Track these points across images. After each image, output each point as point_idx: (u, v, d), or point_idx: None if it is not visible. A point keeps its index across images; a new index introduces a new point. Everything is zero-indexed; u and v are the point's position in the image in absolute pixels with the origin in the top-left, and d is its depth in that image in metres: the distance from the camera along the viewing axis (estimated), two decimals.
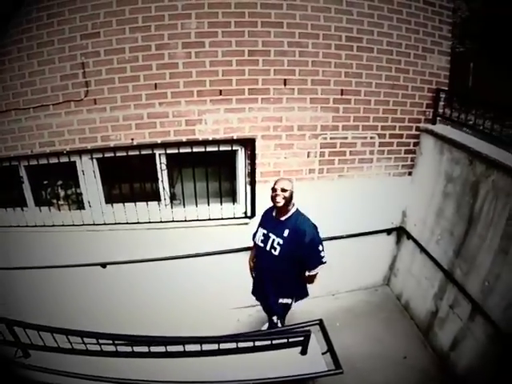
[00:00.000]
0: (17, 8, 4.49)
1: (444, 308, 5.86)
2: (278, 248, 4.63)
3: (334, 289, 6.25)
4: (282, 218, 4.63)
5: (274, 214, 4.68)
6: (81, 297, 5.34)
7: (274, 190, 4.49)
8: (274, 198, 4.50)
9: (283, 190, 4.47)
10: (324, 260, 4.73)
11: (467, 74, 19.24)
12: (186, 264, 5.56)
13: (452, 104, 5.79)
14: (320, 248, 4.68)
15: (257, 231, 4.79)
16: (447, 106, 5.99)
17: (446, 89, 5.95)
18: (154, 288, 5.57)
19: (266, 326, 5.54)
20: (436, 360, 5.92)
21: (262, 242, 4.70)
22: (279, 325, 5.15)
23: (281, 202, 4.50)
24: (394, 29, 5.31)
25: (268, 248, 4.64)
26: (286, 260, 4.65)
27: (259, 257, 4.81)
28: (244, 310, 6.24)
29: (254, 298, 5.36)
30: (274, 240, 4.63)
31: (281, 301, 5.01)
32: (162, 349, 3.33)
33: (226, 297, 5.85)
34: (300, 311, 5.89)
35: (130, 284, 5.49)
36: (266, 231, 4.69)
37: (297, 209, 4.59)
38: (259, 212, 5.37)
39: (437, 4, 5.46)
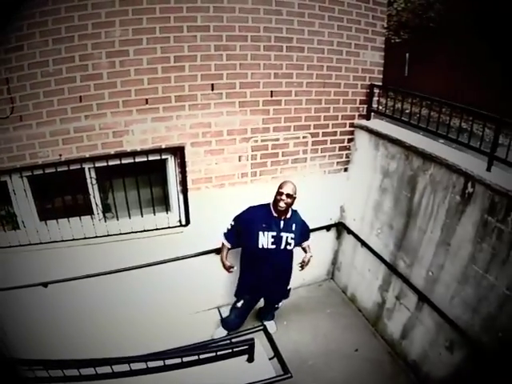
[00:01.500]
0: None
1: (391, 299, 6.96)
2: (292, 242, 5.91)
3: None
4: (288, 216, 5.82)
5: (275, 214, 5.73)
6: (23, 318, 5.80)
7: (280, 193, 5.54)
8: (278, 202, 5.57)
9: (289, 196, 5.53)
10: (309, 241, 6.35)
11: (403, 64, 20.39)
12: (126, 277, 6.23)
13: (387, 99, 6.79)
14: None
15: (257, 237, 5.76)
16: (382, 101, 6.93)
17: (380, 84, 6.88)
18: (98, 303, 6.19)
19: (218, 331, 6.71)
20: (388, 349, 6.98)
21: (272, 244, 5.81)
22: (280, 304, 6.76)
23: (283, 207, 5.56)
24: (325, 27, 6.17)
25: (282, 247, 5.87)
26: (293, 250, 6.05)
27: (268, 258, 5.86)
28: (195, 316, 7.02)
29: (247, 296, 6.38)
30: (287, 237, 5.84)
31: (289, 287, 6.48)
32: (107, 369, 3.70)
33: (175, 304, 6.67)
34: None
35: (73, 301, 6.07)
36: (275, 233, 5.77)
37: None
38: (193, 220, 6.37)
39: (370, 0, 6.33)
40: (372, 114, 6.99)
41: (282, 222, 5.76)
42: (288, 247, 5.88)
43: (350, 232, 7.60)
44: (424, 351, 6.27)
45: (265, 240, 5.75)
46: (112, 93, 5.32)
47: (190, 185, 6.10)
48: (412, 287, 6.35)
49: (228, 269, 6.14)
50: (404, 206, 6.41)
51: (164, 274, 6.40)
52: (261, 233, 5.73)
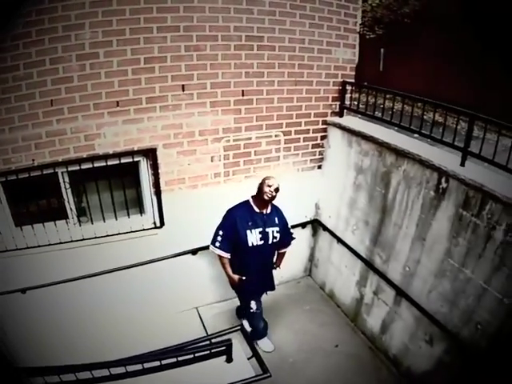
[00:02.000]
0: None
1: (369, 295, 7.08)
2: (278, 235, 6.10)
3: None
4: (269, 210, 6.00)
5: (257, 210, 5.90)
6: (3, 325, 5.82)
7: (269, 185, 5.71)
8: (265, 193, 5.72)
9: (276, 190, 5.76)
10: (294, 236, 6.48)
11: (378, 59, 20.62)
12: (102, 281, 6.20)
13: (359, 95, 6.82)
14: (289, 225, 6.36)
15: (246, 236, 5.87)
16: (354, 97, 7.06)
17: (353, 81, 6.98)
18: (77, 307, 6.16)
19: (263, 343, 6.85)
20: (368, 344, 7.11)
21: (261, 239, 5.95)
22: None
23: (269, 197, 5.73)
24: (296, 25, 6.25)
25: (270, 241, 6.04)
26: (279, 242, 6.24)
27: (258, 255, 6.03)
28: (174, 317, 7.01)
29: (254, 298, 6.45)
30: (273, 231, 6.01)
31: (273, 274, 6.65)
32: (87, 375, 3.72)
33: (154, 306, 6.72)
34: (225, 311, 7.24)
35: (53, 307, 6.03)
36: (261, 229, 5.93)
37: None
38: (168, 221, 6.39)
39: None
40: (345, 110, 7.07)
41: (264, 217, 5.92)
42: (275, 241, 6.04)
43: (325, 229, 7.69)
44: (404, 345, 6.37)
45: (253, 237, 5.87)
46: (83, 96, 5.30)
47: (163, 186, 6.14)
48: (389, 282, 6.45)
49: (239, 281, 6.09)
50: (378, 202, 6.50)
51: (141, 277, 6.44)
52: (248, 231, 5.84)
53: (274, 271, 6.58)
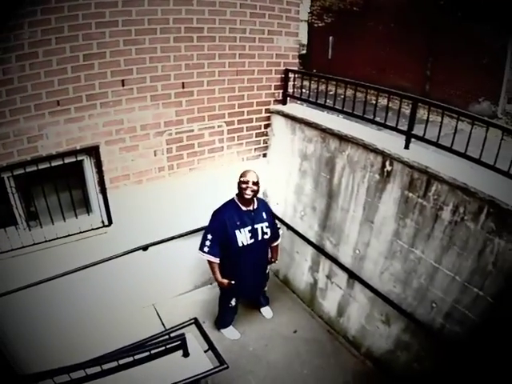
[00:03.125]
0: None
1: (322, 279, 7.31)
2: (269, 230, 6.19)
3: (211, 278, 7.20)
4: (255, 206, 6.09)
5: (244, 208, 5.96)
6: None
7: (245, 182, 5.77)
8: (244, 190, 5.79)
9: (255, 184, 5.81)
10: (279, 228, 6.65)
11: (327, 47, 20.93)
12: (57, 284, 6.15)
13: (302, 82, 6.96)
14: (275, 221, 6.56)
15: (235, 236, 5.92)
16: (297, 84, 7.19)
17: (295, 69, 7.11)
18: (32, 314, 6.08)
19: (228, 332, 7.11)
20: (327, 328, 7.37)
21: (251, 238, 6.03)
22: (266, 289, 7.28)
23: (250, 194, 5.80)
24: (237, 15, 6.33)
25: (260, 238, 6.12)
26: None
27: (250, 252, 6.08)
28: (132, 315, 7.04)
29: (238, 294, 6.67)
30: (262, 227, 6.10)
31: (268, 270, 6.87)
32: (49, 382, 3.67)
33: (111, 305, 6.76)
34: (183, 305, 7.39)
35: (8, 317, 5.91)
36: (250, 227, 6.00)
37: None
38: (116, 219, 6.40)
39: None
40: (288, 98, 7.22)
41: (252, 214, 6.01)
42: (265, 237, 6.14)
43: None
44: (362, 327, 6.62)
45: (243, 237, 5.94)
46: (23, 97, 5.15)
47: (108, 184, 6.11)
48: (341, 266, 6.67)
49: (228, 285, 6.15)
50: (324, 187, 6.69)
51: (94, 278, 6.44)
52: (237, 231, 5.90)
53: (268, 266, 6.81)
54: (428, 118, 5.26)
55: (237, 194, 5.99)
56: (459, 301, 5.07)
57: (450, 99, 19.74)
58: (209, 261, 6.05)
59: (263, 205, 6.29)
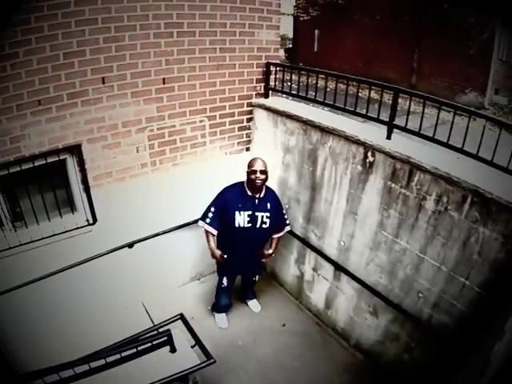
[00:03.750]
0: None
1: (308, 272, 7.38)
2: (268, 221, 6.29)
3: (199, 273, 7.62)
4: (262, 195, 6.23)
5: (249, 193, 6.14)
6: None
7: (254, 172, 5.91)
8: (254, 181, 5.95)
9: (262, 172, 5.94)
10: (288, 222, 6.68)
11: (313, 40, 21.10)
12: (45, 285, 6.09)
13: (283, 75, 6.95)
14: (284, 211, 6.62)
15: (234, 216, 6.12)
16: (279, 77, 7.10)
17: (277, 62, 7.13)
18: (21, 315, 6.04)
19: (219, 318, 7.26)
20: (315, 320, 7.44)
21: (248, 222, 6.19)
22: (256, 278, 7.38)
23: (260, 183, 5.98)
24: (217, 9, 6.32)
25: (258, 225, 6.25)
26: (271, 228, 6.42)
27: (244, 236, 6.25)
28: (121, 313, 7.04)
29: (229, 273, 6.88)
30: (262, 216, 6.22)
31: (263, 260, 7.04)
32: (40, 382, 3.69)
33: (100, 304, 6.70)
34: (170, 301, 7.32)
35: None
36: (250, 212, 6.15)
37: None
38: (100, 217, 6.39)
39: None
40: (270, 91, 7.24)
41: (256, 201, 6.16)
42: (263, 226, 6.27)
43: None
44: (350, 318, 6.68)
45: (241, 219, 6.13)
46: (5, 98, 5.10)
47: (91, 182, 6.10)
48: (327, 258, 6.73)
49: (220, 257, 6.39)
50: (308, 179, 6.74)
51: (81, 277, 6.41)
52: (237, 212, 6.10)
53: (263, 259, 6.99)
54: (409, 108, 5.31)
55: (246, 181, 6.16)
56: (446, 291, 5.13)
57: (437, 91, 19.87)
58: (207, 231, 6.31)
59: (271, 196, 6.39)
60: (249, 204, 6.12)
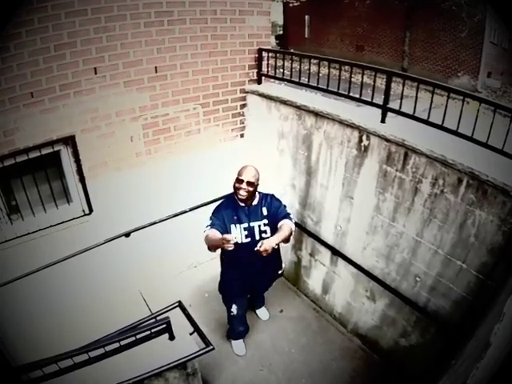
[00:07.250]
0: None
1: (305, 257, 7.38)
2: (268, 229, 5.38)
3: (195, 260, 7.59)
4: (255, 202, 5.41)
5: (241, 204, 5.32)
6: None
7: (240, 181, 5.11)
8: (237, 190, 5.15)
9: (249, 184, 5.10)
10: (291, 216, 5.46)
11: (303, 26, 21.15)
12: (44, 276, 6.04)
13: (276, 61, 6.98)
14: (287, 208, 5.51)
15: (230, 230, 5.23)
16: (271, 63, 7.17)
17: (269, 48, 7.14)
18: (22, 307, 6.04)
19: (236, 345, 6.68)
20: (313, 306, 7.44)
21: (246, 237, 5.32)
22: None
23: (244, 195, 5.14)
24: None
25: (258, 237, 5.29)
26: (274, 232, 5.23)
27: (246, 255, 5.12)
28: (118, 303, 6.82)
29: (238, 298, 6.10)
30: (259, 225, 5.36)
31: (279, 272, 6.27)
32: (39, 373, 3.72)
33: (98, 294, 6.53)
34: (168, 289, 7.22)
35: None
36: (246, 224, 5.33)
37: None
38: (96, 207, 6.38)
39: None
40: (263, 77, 7.23)
41: (251, 210, 5.37)
42: (264, 235, 5.32)
43: None
44: (348, 303, 6.69)
45: (238, 234, 5.26)
46: None
47: (86, 172, 6.09)
48: (323, 243, 6.73)
49: (228, 241, 4.42)
50: (303, 164, 6.73)
51: (79, 267, 6.37)
52: (232, 226, 5.30)
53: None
54: (403, 91, 5.32)
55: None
56: (443, 274, 5.13)
57: (429, 74, 19.89)
58: (206, 236, 5.00)
59: (266, 201, 5.46)
60: (242, 215, 5.32)
